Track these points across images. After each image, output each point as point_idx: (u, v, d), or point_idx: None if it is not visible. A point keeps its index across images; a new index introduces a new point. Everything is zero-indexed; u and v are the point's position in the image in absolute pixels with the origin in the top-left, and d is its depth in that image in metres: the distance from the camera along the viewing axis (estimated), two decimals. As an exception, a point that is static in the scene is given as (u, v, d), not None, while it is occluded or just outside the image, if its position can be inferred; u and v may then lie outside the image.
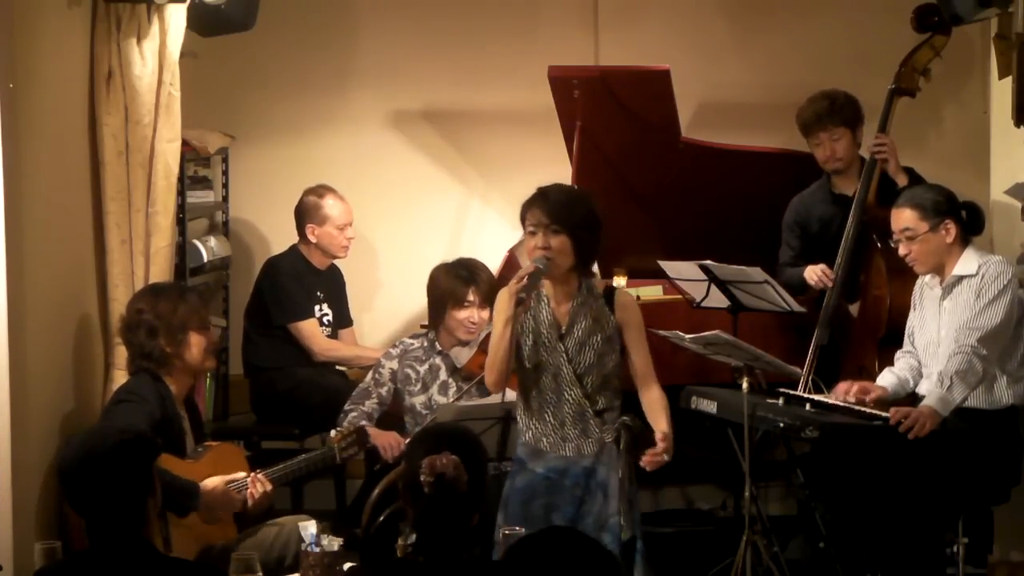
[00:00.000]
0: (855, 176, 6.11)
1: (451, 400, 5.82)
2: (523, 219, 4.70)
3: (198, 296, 5.36)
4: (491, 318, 5.85)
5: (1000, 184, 6.21)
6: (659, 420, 4.70)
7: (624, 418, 4.69)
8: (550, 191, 4.71)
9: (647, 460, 4.63)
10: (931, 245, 5.39)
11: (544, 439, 4.67)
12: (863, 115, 6.17)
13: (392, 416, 6.00)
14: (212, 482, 4.97)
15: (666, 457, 4.65)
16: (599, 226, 4.72)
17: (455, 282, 5.88)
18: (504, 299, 4.71)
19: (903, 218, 5.41)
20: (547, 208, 4.63)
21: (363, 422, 5.80)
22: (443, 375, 5.92)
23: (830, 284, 5.99)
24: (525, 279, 4.58)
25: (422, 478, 3.56)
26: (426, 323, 6.15)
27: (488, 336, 5.77)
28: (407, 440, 5.51)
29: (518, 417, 4.76)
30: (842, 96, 6.19)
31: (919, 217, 5.38)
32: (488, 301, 5.89)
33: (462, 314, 5.87)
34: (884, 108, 6.09)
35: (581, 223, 4.65)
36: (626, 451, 4.62)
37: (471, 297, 5.87)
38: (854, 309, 6.13)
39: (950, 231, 5.36)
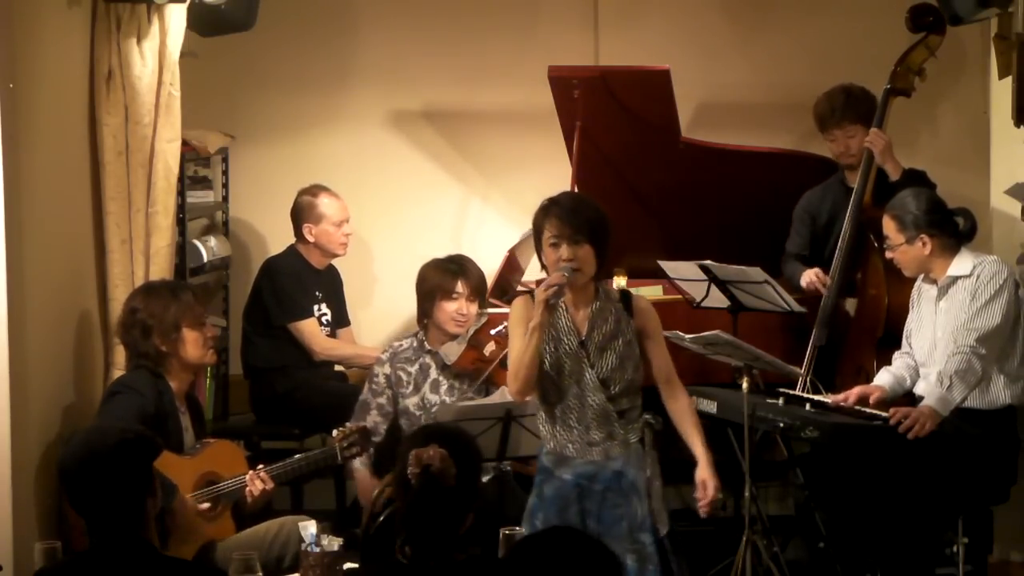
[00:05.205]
0: None
1: (443, 398, 5.82)
2: (539, 229, 4.60)
3: (191, 293, 5.36)
4: (481, 310, 5.87)
5: (1000, 184, 6.21)
6: (695, 444, 4.67)
7: (646, 416, 4.67)
8: (563, 200, 4.62)
9: (704, 509, 4.68)
10: (909, 256, 5.44)
11: (570, 445, 4.61)
12: None
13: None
14: (189, 497, 4.97)
15: (720, 495, 4.70)
16: (610, 230, 4.68)
17: (444, 275, 5.87)
18: (521, 307, 4.62)
19: (884, 226, 5.48)
20: (567, 219, 4.54)
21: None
22: (433, 373, 5.89)
23: (823, 290, 6.00)
24: (554, 288, 4.50)
25: (408, 471, 3.56)
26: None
27: (478, 331, 5.80)
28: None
29: (540, 426, 4.71)
30: (859, 92, 6.18)
31: (896, 229, 5.43)
32: (477, 295, 5.89)
33: (451, 306, 5.85)
34: (879, 108, 6.08)
35: (600, 231, 4.58)
36: (651, 449, 4.63)
37: (460, 289, 5.86)
38: (851, 305, 6.13)
39: (926, 244, 5.39)
